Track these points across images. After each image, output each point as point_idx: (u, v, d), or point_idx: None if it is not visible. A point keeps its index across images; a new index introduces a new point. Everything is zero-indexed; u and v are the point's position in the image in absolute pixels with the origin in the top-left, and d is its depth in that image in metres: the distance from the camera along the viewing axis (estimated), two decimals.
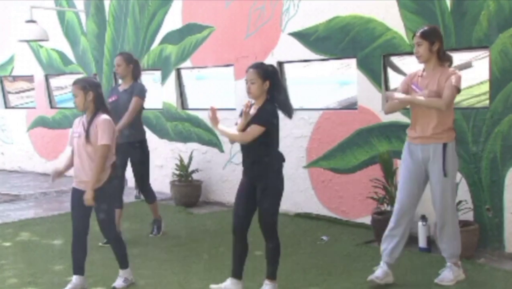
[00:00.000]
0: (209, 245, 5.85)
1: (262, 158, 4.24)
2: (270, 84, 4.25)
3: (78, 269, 4.54)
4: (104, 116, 4.44)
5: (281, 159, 4.34)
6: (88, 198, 4.35)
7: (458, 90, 4.43)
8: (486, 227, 5.43)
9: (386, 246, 4.59)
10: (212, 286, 4.41)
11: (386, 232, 4.63)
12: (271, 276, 4.36)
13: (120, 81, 6.32)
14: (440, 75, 4.47)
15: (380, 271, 4.54)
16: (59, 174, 4.57)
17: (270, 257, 4.34)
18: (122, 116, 5.74)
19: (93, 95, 4.43)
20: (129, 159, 6.04)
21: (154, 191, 6.33)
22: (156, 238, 6.13)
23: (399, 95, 4.54)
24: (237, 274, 4.38)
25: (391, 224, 4.62)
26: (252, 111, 4.24)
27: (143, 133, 6.23)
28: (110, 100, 5.86)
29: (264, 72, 4.24)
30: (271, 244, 4.31)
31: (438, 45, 4.49)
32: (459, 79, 4.44)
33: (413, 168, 4.56)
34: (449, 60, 4.56)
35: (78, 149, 4.47)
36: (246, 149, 4.29)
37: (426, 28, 4.62)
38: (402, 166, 4.65)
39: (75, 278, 4.54)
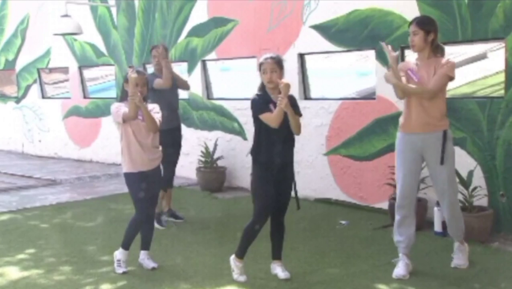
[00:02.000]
0: (234, 228, 5.81)
1: (292, 143, 4.21)
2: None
3: (129, 245, 4.52)
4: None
5: None
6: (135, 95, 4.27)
7: (450, 78, 4.24)
8: (500, 213, 5.34)
9: (400, 238, 4.42)
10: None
11: (396, 225, 4.45)
12: (281, 256, 4.36)
13: (150, 71, 6.31)
14: (435, 64, 4.27)
15: (403, 269, 4.32)
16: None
17: (282, 238, 4.32)
18: (164, 104, 5.62)
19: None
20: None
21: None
22: (183, 222, 6.15)
23: (393, 80, 4.30)
24: (244, 255, 4.32)
25: (398, 216, 4.43)
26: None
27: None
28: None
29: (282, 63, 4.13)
30: (283, 227, 4.29)
31: (433, 36, 4.27)
32: (452, 67, 4.24)
33: (412, 159, 4.35)
34: (442, 51, 4.36)
35: (141, 130, 4.45)
36: (282, 133, 4.09)
37: (423, 17, 4.46)
38: (400, 159, 4.39)
39: (125, 253, 4.52)
